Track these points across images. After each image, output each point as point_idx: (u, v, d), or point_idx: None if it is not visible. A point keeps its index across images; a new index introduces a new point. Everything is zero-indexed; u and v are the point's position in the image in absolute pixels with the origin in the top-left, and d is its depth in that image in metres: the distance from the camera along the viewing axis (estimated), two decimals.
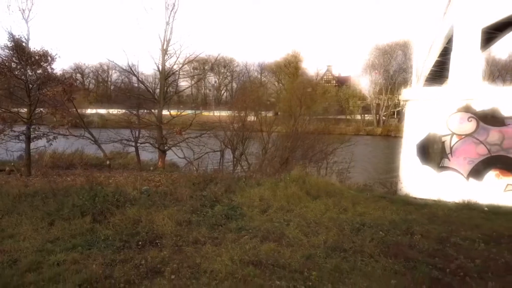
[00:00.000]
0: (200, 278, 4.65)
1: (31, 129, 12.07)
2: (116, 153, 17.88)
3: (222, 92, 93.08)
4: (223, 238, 6.05)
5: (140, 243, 5.75)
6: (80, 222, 6.34)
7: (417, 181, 9.53)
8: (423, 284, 4.60)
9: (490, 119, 8.83)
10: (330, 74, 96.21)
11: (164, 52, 12.42)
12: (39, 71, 10.99)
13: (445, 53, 12.40)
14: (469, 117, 8.98)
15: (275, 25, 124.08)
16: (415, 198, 9.21)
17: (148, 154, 17.67)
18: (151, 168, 13.07)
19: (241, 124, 13.72)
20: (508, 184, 8.78)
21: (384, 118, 76.35)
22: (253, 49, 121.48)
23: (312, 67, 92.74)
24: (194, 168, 13.66)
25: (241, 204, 7.96)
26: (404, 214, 7.38)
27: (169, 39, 12.34)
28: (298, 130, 13.99)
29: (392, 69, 77.27)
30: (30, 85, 11.17)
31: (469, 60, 9.24)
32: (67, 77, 11.22)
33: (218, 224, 6.80)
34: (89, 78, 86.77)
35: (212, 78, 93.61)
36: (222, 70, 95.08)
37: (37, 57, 10.91)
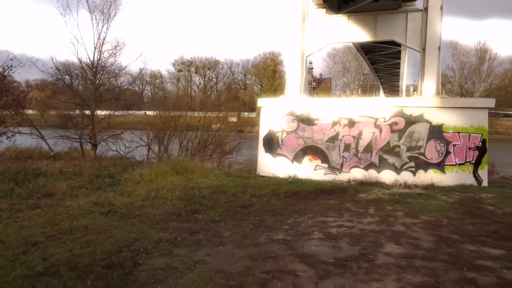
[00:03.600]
0: (59, 209, 8.39)
1: None
2: (74, 149, 21.51)
3: (208, 93, 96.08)
4: (93, 194, 9.79)
5: (38, 196, 9.46)
6: (5, 185, 10.03)
7: (264, 164, 13.38)
8: (183, 211, 8.39)
9: (305, 120, 12.73)
10: (310, 76, 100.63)
11: (94, 70, 16.03)
12: None
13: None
14: (293, 119, 12.87)
15: (263, 24, 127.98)
16: (258, 175, 13.07)
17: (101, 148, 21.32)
18: (87, 158, 16.75)
19: (162, 124, 17.44)
20: (316, 165, 12.68)
21: None
22: (239, 48, 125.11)
23: None
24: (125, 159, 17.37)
25: (126, 178, 11.69)
26: (225, 182, 11.21)
27: (99, 59, 16.03)
28: (211, 128, 17.84)
29: (364, 72, 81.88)
30: None
31: (294, 80, 13.15)
32: (15, 89, 14.88)
33: (100, 188, 10.54)
34: (78, 80, 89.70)
35: (197, 80, 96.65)
36: (208, 73, 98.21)
37: None
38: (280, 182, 11.62)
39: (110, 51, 15.82)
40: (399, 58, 31.42)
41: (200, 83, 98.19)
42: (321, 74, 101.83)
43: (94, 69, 15.64)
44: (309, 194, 10.27)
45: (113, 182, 11.23)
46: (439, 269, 5.55)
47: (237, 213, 8.38)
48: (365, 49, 26.57)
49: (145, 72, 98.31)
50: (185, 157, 16.98)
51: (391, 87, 57.45)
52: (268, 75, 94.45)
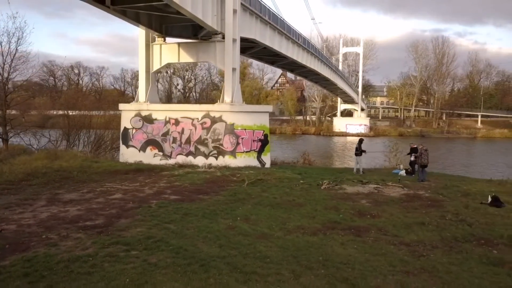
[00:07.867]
0: None
1: None
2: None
3: (187, 94, 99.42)
4: None
5: None
6: None
7: (122, 153, 17.90)
8: (17, 180, 12.83)
9: (148, 119, 17.26)
10: (284, 78, 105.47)
11: (4, 81, 20.35)
12: None
13: None
14: (139, 119, 17.40)
15: None
16: (116, 161, 17.54)
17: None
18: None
19: (67, 123, 21.87)
20: (155, 153, 17.23)
21: (323, 119, 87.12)
22: None
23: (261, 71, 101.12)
24: (36, 151, 21.74)
25: (15, 161, 16.04)
26: (75, 164, 15.62)
27: (9, 72, 20.33)
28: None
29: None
30: None
31: (142, 89, 17.71)
32: None
33: None
34: (62, 81, 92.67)
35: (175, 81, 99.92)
36: (186, 74, 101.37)
37: None
38: (117, 165, 16.13)
39: (17, 67, 20.29)
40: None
41: (177, 84, 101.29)
42: (295, 77, 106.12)
43: (3, 81, 20.05)
44: (125, 171, 14.78)
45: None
46: (118, 204, 10.04)
47: (53, 181, 12.84)
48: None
49: (126, 73, 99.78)
50: (89, 151, 21.46)
51: (340, 92, 63.08)
52: None
